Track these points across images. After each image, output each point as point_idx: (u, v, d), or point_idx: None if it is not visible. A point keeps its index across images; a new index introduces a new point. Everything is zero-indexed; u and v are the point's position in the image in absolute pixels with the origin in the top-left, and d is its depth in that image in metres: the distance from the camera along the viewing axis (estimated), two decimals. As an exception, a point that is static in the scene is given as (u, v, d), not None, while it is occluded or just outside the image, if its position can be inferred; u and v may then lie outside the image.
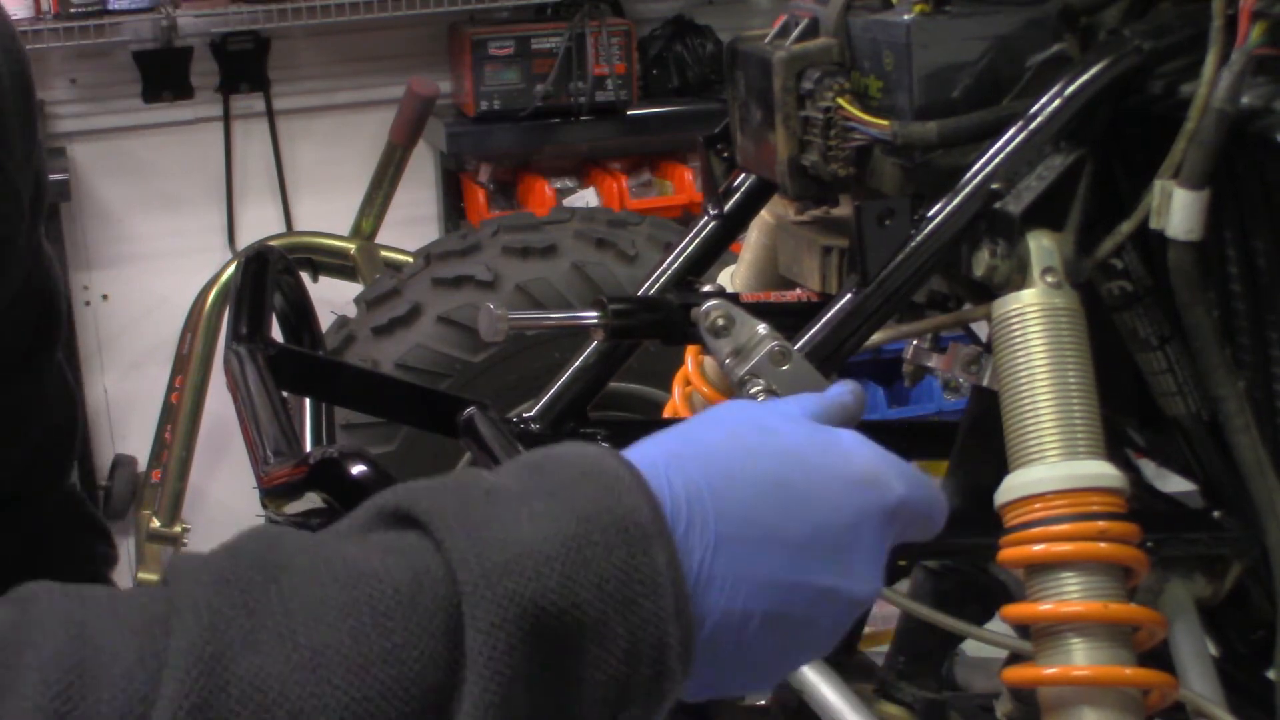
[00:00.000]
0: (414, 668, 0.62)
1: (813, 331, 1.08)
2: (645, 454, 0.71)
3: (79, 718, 0.58)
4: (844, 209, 1.30)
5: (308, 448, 1.28)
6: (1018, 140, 1.07)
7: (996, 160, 1.07)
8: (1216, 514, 1.16)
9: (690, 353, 1.51)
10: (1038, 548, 1.00)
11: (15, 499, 1.08)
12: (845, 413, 0.83)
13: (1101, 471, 1.01)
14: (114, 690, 0.59)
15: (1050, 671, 1.00)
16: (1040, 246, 1.05)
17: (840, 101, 1.15)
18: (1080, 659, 0.99)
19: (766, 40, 1.25)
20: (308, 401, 1.34)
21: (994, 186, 1.06)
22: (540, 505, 0.66)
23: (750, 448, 0.74)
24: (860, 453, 0.76)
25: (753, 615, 0.70)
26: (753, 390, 1.03)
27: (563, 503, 0.66)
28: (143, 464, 3.50)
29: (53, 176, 2.91)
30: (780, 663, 0.74)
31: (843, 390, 0.84)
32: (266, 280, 1.30)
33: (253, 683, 0.60)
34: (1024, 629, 1.05)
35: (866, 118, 1.13)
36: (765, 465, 0.73)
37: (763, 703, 1.41)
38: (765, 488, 0.72)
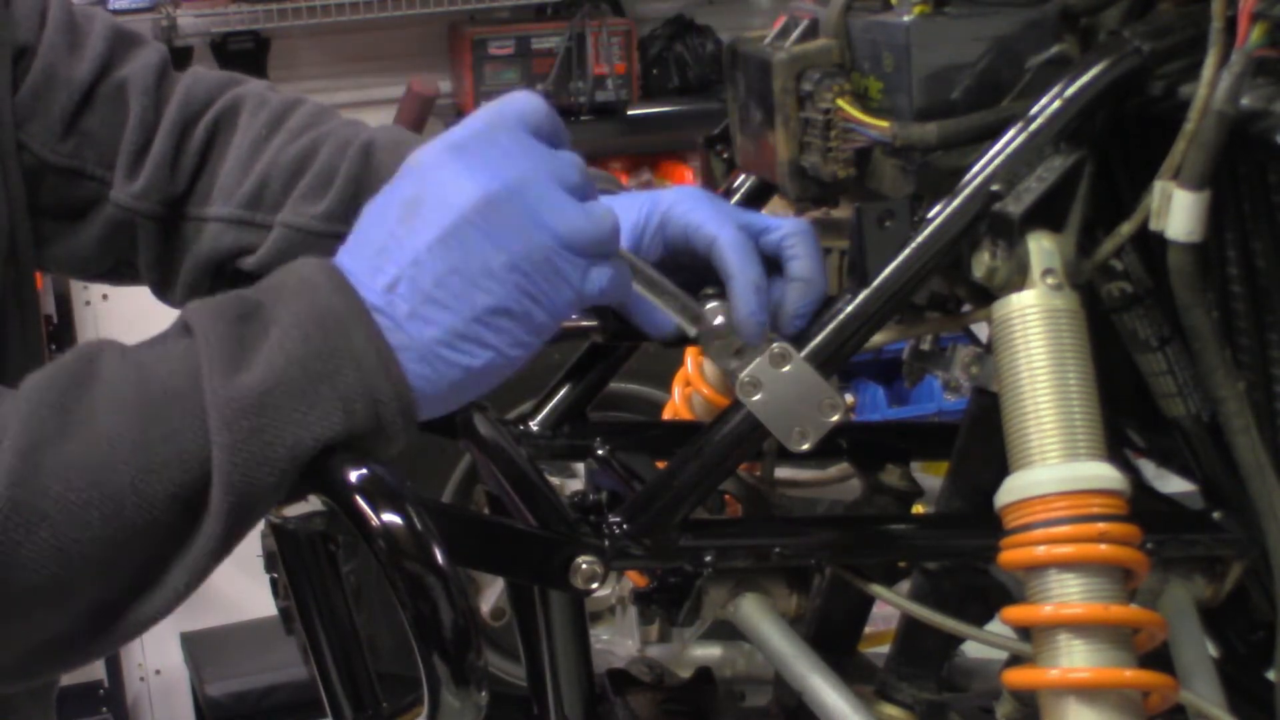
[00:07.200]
0: (181, 444, 0.81)
1: (813, 333, 1.08)
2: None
3: None
4: (844, 210, 1.30)
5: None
6: (1018, 141, 1.07)
7: (996, 162, 1.07)
8: (1216, 515, 1.16)
9: (690, 353, 1.51)
10: (1038, 550, 1.00)
11: None
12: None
13: (1102, 473, 1.01)
14: None
15: (1051, 673, 1.00)
16: (1040, 248, 1.05)
17: (840, 103, 1.15)
18: (1080, 661, 0.99)
19: (766, 41, 1.24)
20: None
21: (994, 188, 1.06)
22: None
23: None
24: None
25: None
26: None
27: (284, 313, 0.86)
28: (143, 464, 3.49)
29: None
30: (469, 297, 0.92)
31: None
32: (266, 281, 1.30)
33: (62, 461, 0.79)
34: (1024, 630, 1.05)
35: (866, 119, 1.13)
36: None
37: (762, 704, 1.41)
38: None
